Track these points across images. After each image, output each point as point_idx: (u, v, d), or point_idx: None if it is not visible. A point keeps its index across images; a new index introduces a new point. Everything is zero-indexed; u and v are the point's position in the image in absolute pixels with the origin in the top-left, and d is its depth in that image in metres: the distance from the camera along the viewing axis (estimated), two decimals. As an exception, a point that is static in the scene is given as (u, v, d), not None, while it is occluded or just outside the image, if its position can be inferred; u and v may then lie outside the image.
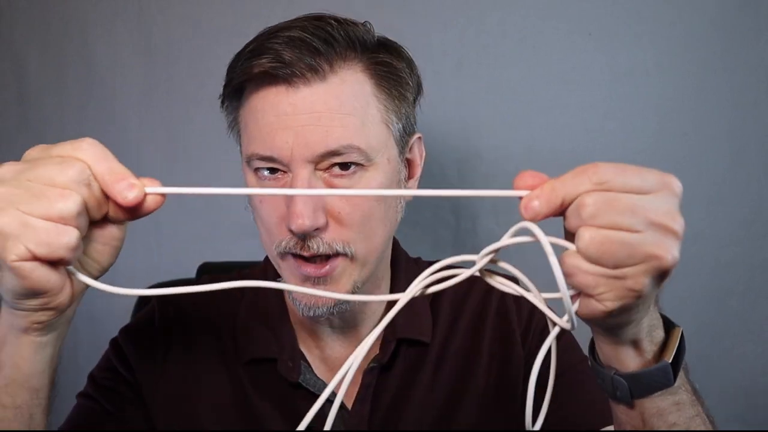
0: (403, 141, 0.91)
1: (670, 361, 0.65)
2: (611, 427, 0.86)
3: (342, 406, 0.91)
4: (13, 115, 1.57)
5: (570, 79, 1.44)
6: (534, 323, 0.99)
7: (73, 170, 0.57)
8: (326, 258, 0.84)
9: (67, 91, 1.56)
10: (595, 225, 0.55)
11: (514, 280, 0.63)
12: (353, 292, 0.86)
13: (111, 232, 0.63)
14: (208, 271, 1.30)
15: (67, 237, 0.55)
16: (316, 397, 0.90)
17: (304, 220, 0.79)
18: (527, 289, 0.61)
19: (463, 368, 0.96)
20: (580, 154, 1.42)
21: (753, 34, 1.40)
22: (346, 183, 0.83)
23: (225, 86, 0.90)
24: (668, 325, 0.68)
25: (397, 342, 0.94)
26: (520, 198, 0.58)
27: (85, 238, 0.60)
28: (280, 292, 0.98)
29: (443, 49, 1.45)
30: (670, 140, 1.42)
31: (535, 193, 0.57)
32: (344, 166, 0.83)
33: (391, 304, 0.96)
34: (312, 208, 0.80)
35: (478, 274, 0.61)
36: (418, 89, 0.94)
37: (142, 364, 0.95)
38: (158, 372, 0.95)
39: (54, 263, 0.57)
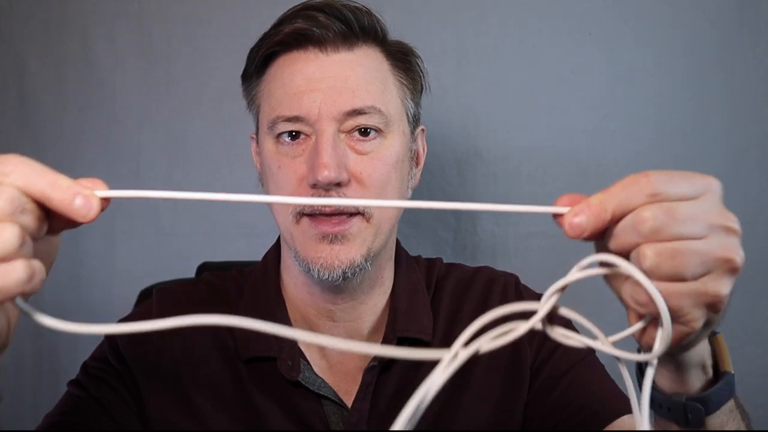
0: (414, 123, 0.99)
1: (732, 371, 0.65)
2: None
3: (342, 404, 0.93)
4: (13, 115, 1.58)
5: (570, 79, 1.45)
6: None
7: (3, 200, 0.50)
8: (346, 215, 0.88)
9: (67, 91, 1.57)
10: (658, 240, 0.51)
11: (568, 323, 0.61)
12: (366, 258, 0.90)
13: (48, 245, 0.57)
14: (208, 271, 1.30)
15: (16, 273, 0.50)
16: (315, 395, 0.92)
17: (330, 171, 0.84)
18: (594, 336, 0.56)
19: (464, 366, 0.96)
20: (580, 154, 1.44)
21: (752, 34, 1.42)
22: (366, 147, 0.89)
23: (250, 60, 0.96)
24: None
25: (398, 341, 0.95)
26: (555, 217, 0.55)
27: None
28: (279, 291, 1.00)
29: (443, 49, 1.46)
30: (670, 140, 1.43)
31: (579, 208, 0.53)
32: (364, 132, 0.89)
33: (391, 301, 0.98)
34: (336, 162, 0.85)
35: (539, 326, 0.55)
36: (423, 84, 1.01)
37: (136, 357, 0.96)
38: (153, 365, 0.96)
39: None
